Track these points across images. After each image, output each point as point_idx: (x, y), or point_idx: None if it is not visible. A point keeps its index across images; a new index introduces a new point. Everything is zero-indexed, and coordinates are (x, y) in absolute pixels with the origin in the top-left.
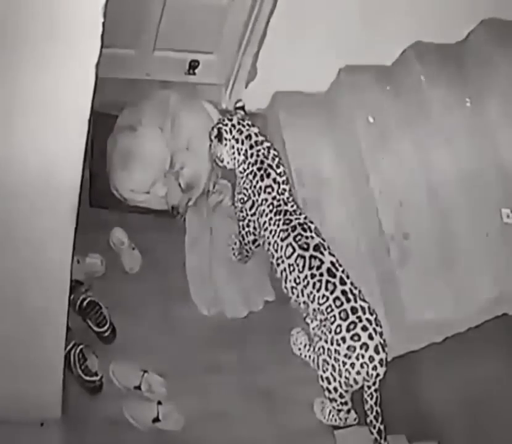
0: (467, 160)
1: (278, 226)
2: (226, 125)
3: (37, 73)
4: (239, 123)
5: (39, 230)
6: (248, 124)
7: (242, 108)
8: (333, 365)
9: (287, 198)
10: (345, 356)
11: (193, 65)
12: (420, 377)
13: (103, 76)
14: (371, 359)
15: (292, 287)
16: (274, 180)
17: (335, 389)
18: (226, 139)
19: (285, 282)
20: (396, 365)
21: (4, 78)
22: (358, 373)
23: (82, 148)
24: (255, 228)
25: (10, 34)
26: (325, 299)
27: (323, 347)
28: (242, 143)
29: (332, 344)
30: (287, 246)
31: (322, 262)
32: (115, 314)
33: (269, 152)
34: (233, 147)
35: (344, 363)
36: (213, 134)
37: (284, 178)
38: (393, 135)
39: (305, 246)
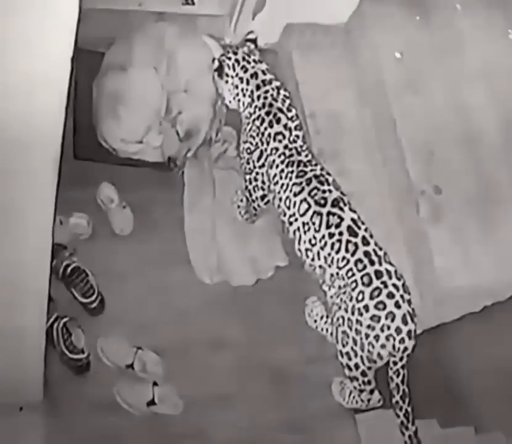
0: (510, 101)
1: (290, 178)
2: (230, 59)
3: (9, 3)
4: (243, 59)
5: (15, 187)
6: (254, 61)
7: (254, 41)
8: (354, 339)
9: (301, 146)
10: (368, 327)
11: None
12: (454, 352)
13: (88, 6)
14: (398, 330)
15: (307, 249)
16: (285, 126)
17: (357, 366)
18: (227, 75)
19: (299, 244)
20: (427, 338)
21: None
22: (383, 347)
23: (65, 92)
24: (263, 182)
25: None
26: (345, 262)
27: (343, 317)
28: (248, 83)
29: (353, 313)
30: (301, 202)
31: (341, 219)
32: (103, 282)
33: (278, 93)
34: (237, 87)
35: (367, 335)
36: (214, 66)
37: (296, 123)
38: (423, 74)
39: (322, 201)
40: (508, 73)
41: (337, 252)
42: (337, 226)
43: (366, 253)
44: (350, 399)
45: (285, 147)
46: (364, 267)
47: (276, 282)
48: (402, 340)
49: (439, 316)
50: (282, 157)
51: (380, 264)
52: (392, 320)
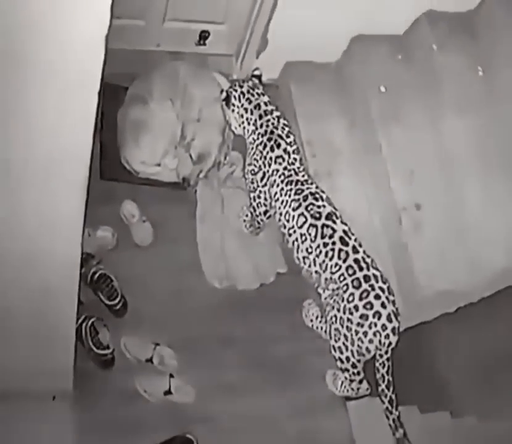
0: (480, 129)
1: (289, 196)
2: (236, 91)
3: (46, 44)
4: (248, 92)
5: (49, 202)
6: (258, 93)
7: (259, 77)
8: (345, 335)
9: (298, 168)
10: (358, 324)
11: (203, 36)
12: (432, 348)
13: (113, 47)
14: (384, 327)
15: (304, 257)
16: (285, 150)
17: (348, 358)
18: (233, 105)
19: (298, 252)
20: (409, 336)
21: (10, 47)
22: (371, 342)
23: (93, 120)
24: (266, 199)
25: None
26: (337, 268)
27: (335, 316)
28: (251, 113)
29: (344, 313)
30: (299, 216)
31: (334, 231)
32: (126, 287)
33: (278, 122)
34: (242, 116)
35: (356, 332)
36: (222, 97)
37: (294, 148)
38: (405, 105)
39: (317, 215)
40: (478, 104)
41: (331, 259)
42: (331, 236)
43: (356, 260)
44: (342, 388)
45: (285, 168)
46: (354, 272)
47: (277, 287)
48: (387, 336)
49: (419, 315)
50: (282, 177)
51: (368, 269)
52: (379, 318)
